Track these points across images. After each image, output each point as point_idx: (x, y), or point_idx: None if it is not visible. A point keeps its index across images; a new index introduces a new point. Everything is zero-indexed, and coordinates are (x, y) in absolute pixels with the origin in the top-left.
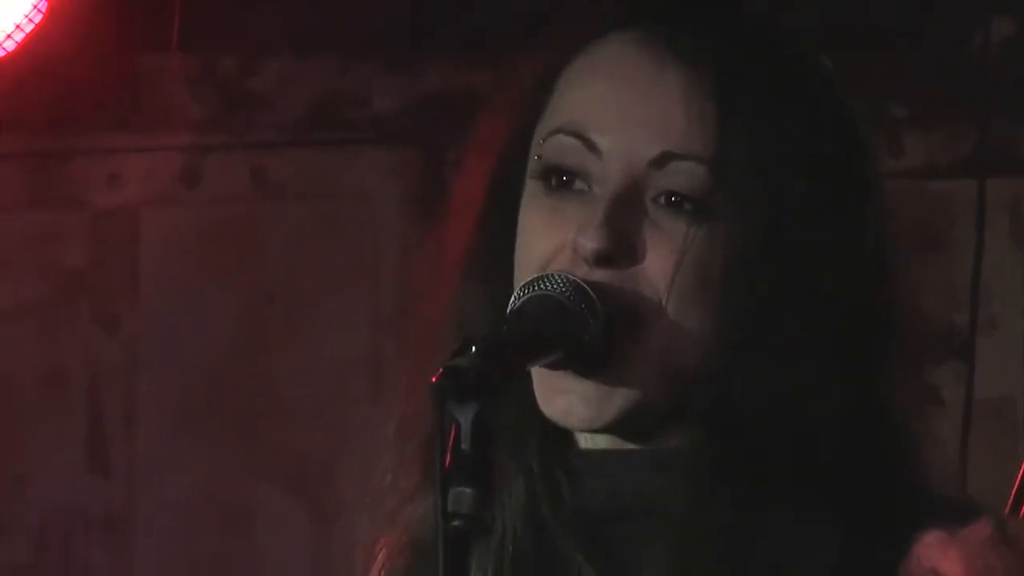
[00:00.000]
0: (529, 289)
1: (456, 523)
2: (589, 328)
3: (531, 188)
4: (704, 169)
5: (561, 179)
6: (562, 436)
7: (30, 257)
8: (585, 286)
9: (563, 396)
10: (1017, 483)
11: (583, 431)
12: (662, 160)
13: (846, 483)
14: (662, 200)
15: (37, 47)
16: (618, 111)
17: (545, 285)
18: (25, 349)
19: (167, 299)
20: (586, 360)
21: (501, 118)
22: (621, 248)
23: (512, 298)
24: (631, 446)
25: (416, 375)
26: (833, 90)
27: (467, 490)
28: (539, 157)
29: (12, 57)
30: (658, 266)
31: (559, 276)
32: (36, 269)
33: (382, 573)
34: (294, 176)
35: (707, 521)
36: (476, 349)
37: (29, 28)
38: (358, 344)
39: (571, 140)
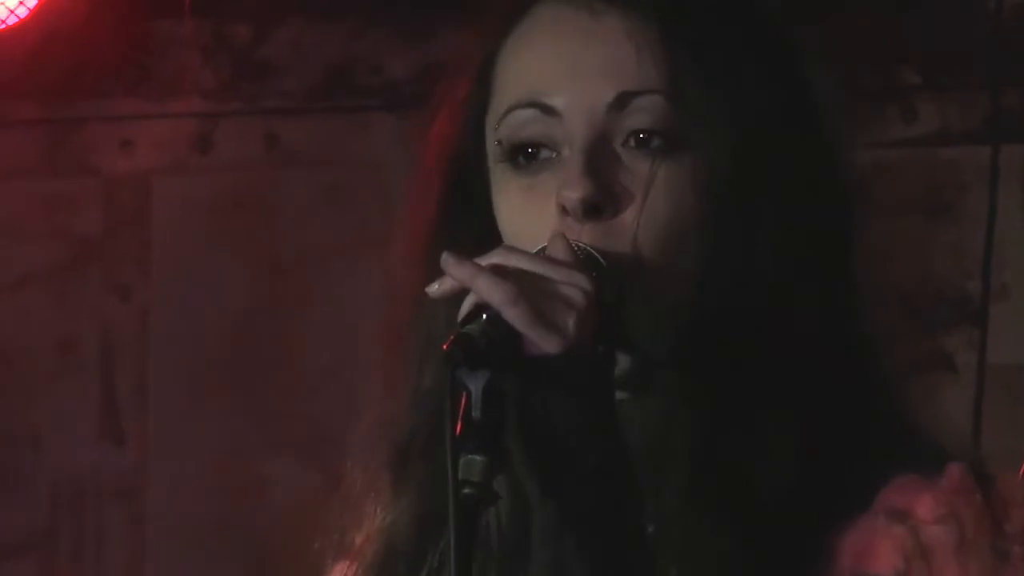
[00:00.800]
0: None
1: (467, 491)
2: (602, 293)
3: (498, 174)
4: (663, 99)
5: (527, 152)
6: None
7: (43, 224)
8: (595, 252)
9: None
10: None
11: None
12: (621, 101)
13: (825, 413)
14: (631, 142)
15: (49, 14)
16: (565, 68)
17: None
18: (38, 316)
19: (180, 266)
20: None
21: (449, 107)
22: (603, 195)
23: None
24: (637, 392)
25: (387, 374)
26: (772, 17)
27: (477, 458)
28: (499, 142)
29: (24, 24)
30: (633, 209)
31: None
32: (49, 236)
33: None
34: (306, 143)
35: (686, 457)
36: (487, 316)
37: None
38: (370, 311)
39: (527, 112)
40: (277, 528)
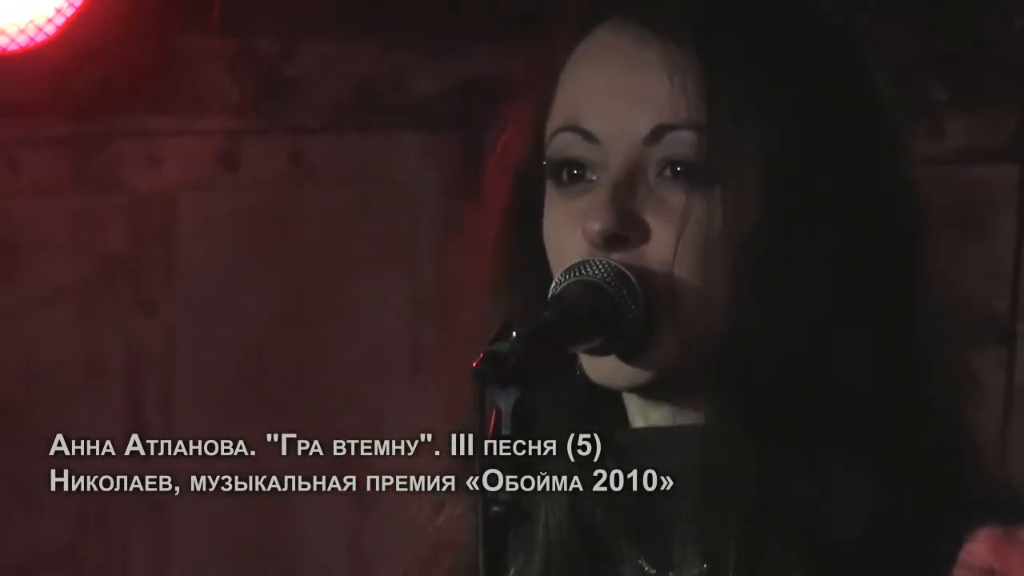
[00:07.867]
0: (571, 275)
1: (496, 508)
2: (629, 312)
3: (548, 190)
4: (698, 135)
5: (572, 173)
6: (613, 417)
7: (70, 240)
8: (625, 271)
9: (608, 361)
10: None
11: (626, 389)
12: (656, 134)
13: (883, 445)
14: (667, 173)
15: (77, 30)
16: (606, 95)
17: (586, 271)
18: (65, 333)
19: (206, 283)
20: (627, 344)
21: (518, 120)
22: (627, 227)
23: (553, 283)
24: (682, 422)
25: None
26: (833, 30)
27: (507, 476)
28: (546, 162)
29: (53, 41)
30: (664, 238)
31: (600, 262)
32: (76, 252)
33: None
34: (332, 160)
35: (741, 492)
36: (517, 334)
37: (69, 12)
38: (395, 328)
39: (569, 135)
40: (301, 543)
